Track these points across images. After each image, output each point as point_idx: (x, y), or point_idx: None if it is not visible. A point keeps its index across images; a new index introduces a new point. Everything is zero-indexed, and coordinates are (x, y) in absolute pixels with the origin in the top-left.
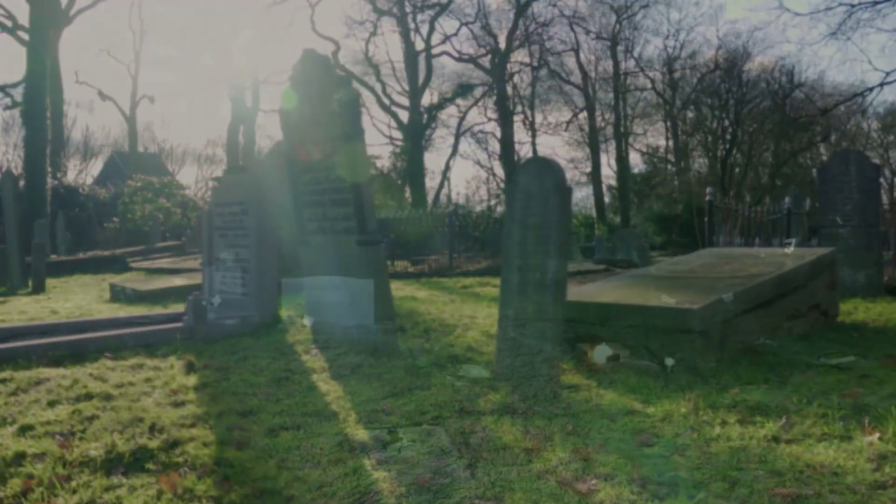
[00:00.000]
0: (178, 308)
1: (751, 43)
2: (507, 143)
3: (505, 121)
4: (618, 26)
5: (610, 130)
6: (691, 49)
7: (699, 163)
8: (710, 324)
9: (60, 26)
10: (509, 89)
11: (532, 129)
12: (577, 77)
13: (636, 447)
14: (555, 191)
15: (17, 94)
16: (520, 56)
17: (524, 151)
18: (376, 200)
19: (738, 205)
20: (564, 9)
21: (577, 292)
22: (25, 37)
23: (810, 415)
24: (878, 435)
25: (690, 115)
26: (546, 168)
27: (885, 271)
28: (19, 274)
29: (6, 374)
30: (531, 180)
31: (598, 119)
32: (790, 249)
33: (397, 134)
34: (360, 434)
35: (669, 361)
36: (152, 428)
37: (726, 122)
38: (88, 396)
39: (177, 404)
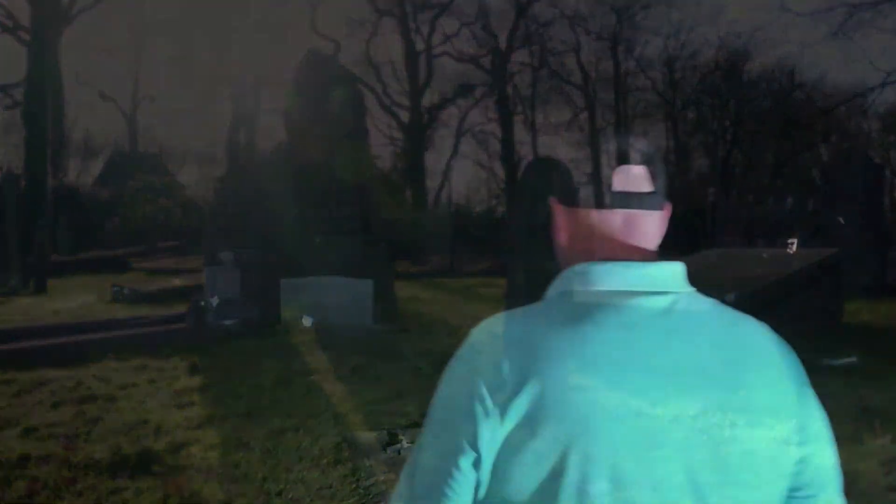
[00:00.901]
0: (180, 309)
1: (752, 43)
2: (507, 143)
3: (505, 121)
4: (618, 26)
5: (610, 131)
6: (692, 49)
7: (700, 163)
8: None
9: (61, 26)
10: (510, 90)
11: (533, 129)
12: (577, 77)
13: None
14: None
15: (18, 94)
16: (520, 56)
17: (525, 152)
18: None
19: (741, 205)
20: (565, 9)
21: None
22: (26, 37)
23: None
24: (888, 438)
25: (691, 115)
26: (553, 168)
27: (889, 272)
28: (21, 274)
29: (9, 375)
30: (537, 180)
31: (599, 119)
32: (793, 250)
33: (398, 134)
34: (362, 435)
35: None
36: (157, 430)
37: (727, 123)
38: (92, 398)
39: (181, 406)
